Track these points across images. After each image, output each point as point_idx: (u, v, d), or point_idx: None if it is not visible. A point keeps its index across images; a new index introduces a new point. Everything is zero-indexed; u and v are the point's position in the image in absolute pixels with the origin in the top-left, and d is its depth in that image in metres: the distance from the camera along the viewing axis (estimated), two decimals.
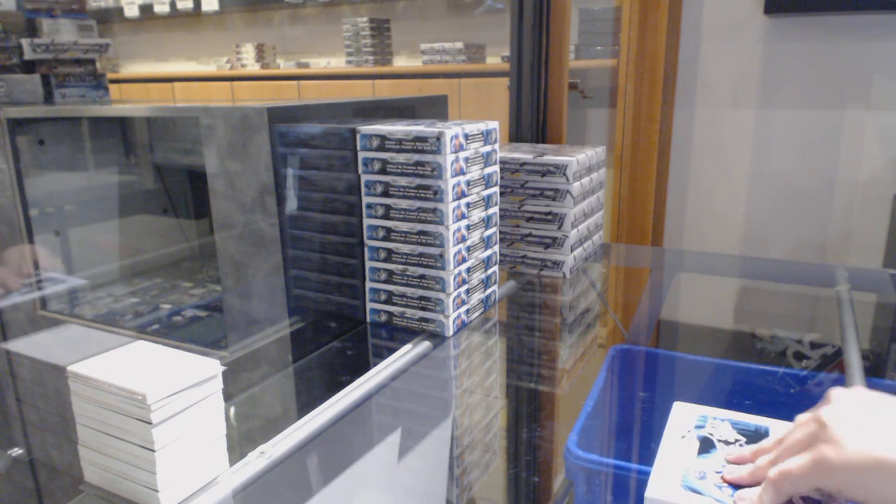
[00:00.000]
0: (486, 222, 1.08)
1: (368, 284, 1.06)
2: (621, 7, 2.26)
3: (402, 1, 3.91)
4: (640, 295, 1.41)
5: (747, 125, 2.29)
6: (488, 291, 1.12)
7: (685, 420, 0.62)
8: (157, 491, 0.59)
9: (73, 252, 1.57)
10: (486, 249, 1.08)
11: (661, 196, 2.42)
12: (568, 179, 1.22)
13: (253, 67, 4.29)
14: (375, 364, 0.91)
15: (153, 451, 0.58)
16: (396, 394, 0.89)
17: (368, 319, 1.08)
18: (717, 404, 0.64)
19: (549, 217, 1.25)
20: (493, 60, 3.53)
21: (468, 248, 1.03)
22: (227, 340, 1.21)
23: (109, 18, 4.95)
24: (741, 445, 0.57)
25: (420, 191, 0.97)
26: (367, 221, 1.03)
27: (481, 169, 1.04)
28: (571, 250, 1.26)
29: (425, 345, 0.99)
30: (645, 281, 1.48)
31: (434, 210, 0.96)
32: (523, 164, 1.25)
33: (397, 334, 1.04)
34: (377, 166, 1.00)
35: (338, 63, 4.15)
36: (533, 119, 1.62)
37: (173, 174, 1.75)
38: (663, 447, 0.57)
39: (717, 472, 0.56)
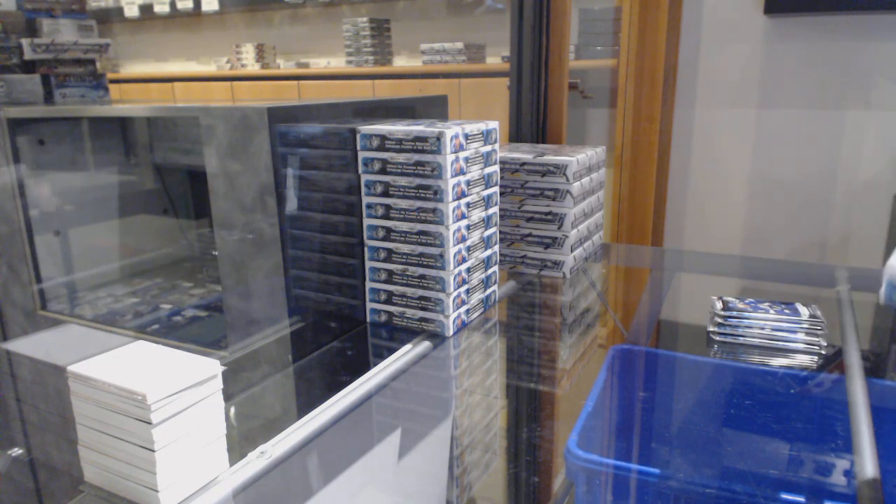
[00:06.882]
0: (486, 222, 1.08)
1: (368, 284, 1.06)
2: (621, 7, 2.26)
3: (402, 1, 3.91)
4: (640, 295, 1.41)
5: (747, 125, 2.29)
6: (488, 291, 1.12)
7: None
8: (157, 491, 0.59)
9: (72, 252, 1.57)
10: (486, 249, 1.08)
11: (661, 196, 2.42)
12: (568, 179, 1.22)
13: (253, 67, 4.29)
14: (375, 364, 0.91)
15: (153, 451, 0.58)
16: (396, 394, 0.89)
17: (368, 319, 1.07)
18: (717, 404, 0.64)
19: (549, 217, 1.25)
20: (493, 60, 3.52)
21: (468, 248, 1.03)
22: (227, 340, 1.21)
23: (109, 18, 4.95)
24: None
25: (420, 191, 0.97)
26: (367, 221, 1.03)
27: (481, 169, 1.04)
28: (571, 250, 1.26)
29: (425, 345, 0.99)
30: (645, 281, 1.48)
31: (434, 210, 0.96)
32: (523, 164, 1.25)
33: (397, 334, 1.03)
34: (377, 166, 1.00)
35: (338, 63, 4.15)
36: (533, 119, 1.62)
37: (173, 174, 1.75)
38: None
39: None
